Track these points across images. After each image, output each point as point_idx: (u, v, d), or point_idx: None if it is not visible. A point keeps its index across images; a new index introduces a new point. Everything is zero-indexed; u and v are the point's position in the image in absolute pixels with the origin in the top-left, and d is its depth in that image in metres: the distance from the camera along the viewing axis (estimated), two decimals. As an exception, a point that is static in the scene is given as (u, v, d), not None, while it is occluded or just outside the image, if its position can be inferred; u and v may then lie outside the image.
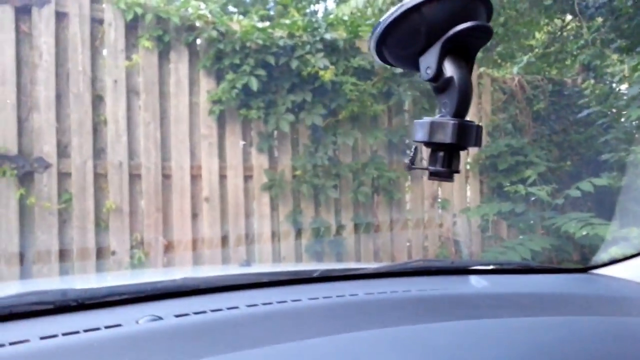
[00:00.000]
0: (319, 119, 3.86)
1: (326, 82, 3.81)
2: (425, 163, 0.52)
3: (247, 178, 3.83)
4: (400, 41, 0.53)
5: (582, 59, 5.40)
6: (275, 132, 3.92)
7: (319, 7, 7.15)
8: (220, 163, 3.75)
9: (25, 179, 3.11)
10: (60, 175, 3.21)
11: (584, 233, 3.32)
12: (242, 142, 3.83)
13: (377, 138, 4.03)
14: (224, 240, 3.66)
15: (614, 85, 5.12)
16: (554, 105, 5.02)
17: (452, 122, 0.50)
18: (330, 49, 3.99)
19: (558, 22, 6.66)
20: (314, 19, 4.33)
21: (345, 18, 4.51)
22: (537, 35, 7.01)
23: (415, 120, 0.54)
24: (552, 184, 4.06)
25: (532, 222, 4.11)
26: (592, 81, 4.94)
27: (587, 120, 4.81)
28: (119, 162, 3.41)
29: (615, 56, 5.35)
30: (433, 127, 0.52)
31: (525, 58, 5.98)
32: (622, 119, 4.62)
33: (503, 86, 4.92)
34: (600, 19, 5.55)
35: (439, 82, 0.51)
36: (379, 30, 0.53)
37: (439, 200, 4.45)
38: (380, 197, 4.13)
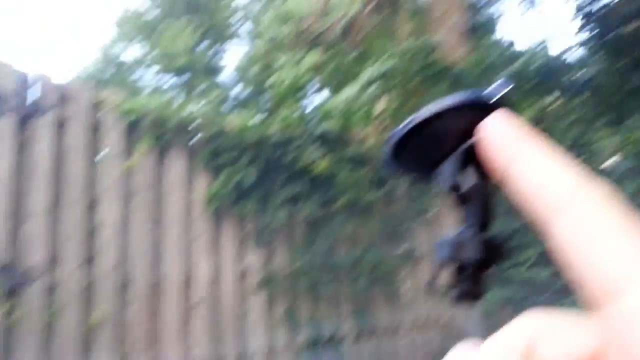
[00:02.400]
0: (315, 211, 3.88)
1: (321, 173, 3.87)
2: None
3: (242, 275, 3.78)
4: (416, 152, 0.52)
5: (570, 136, 5.51)
6: (271, 227, 3.93)
7: (313, 99, 7.42)
8: (215, 261, 3.72)
9: (13, 292, 3.02)
10: (49, 286, 3.13)
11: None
12: (237, 239, 3.83)
13: (374, 227, 4.04)
14: (217, 343, 3.55)
15: (600, 163, 5.17)
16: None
17: (477, 237, 0.48)
18: (325, 140, 4.09)
19: (543, 101, 6.87)
20: (307, 112, 4.48)
21: (338, 109, 4.66)
22: (523, 114, 7.21)
23: (439, 239, 0.51)
24: (551, 266, 4.00)
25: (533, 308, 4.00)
26: (581, 157, 5.00)
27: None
28: (110, 269, 3.36)
29: (602, 132, 5.46)
30: (457, 243, 0.49)
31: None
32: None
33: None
34: (585, 96, 5.72)
35: (460, 193, 0.49)
36: (392, 141, 0.52)
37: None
38: (379, 288, 4.06)
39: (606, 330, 0.18)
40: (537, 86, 5.84)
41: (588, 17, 5.22)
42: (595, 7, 5.17)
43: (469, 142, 0.43)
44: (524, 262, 4.02)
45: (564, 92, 5.72)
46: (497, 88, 0.44)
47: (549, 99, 6.49)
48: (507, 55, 6.57)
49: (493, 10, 6.65)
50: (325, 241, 3.88)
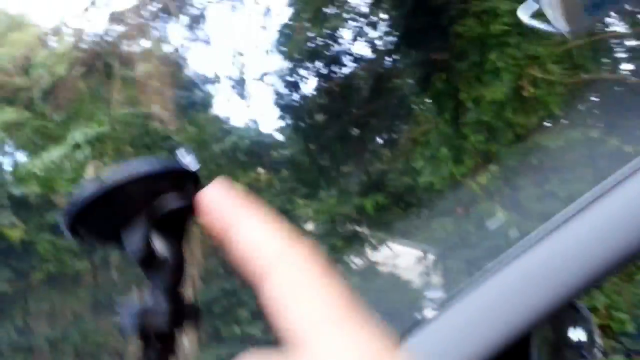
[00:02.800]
0: (5, 285, 3.24)
1: (15, 242, 3.29)
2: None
3: None
4: (100, 217, 0.45)
5: (275, 205, 6.14)
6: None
7: (5, 160, 6.39)
8: None
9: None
10: None
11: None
12: None
13: (82, 298, 3.59)
14: None
15: (303, 226, 5.89)
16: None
17: (165, 306, 0.43)
18: (21, 204, 3.53)
19: (253, 174, 7.54)
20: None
21: (40, 172, 4.13)
22: (237, 184, 7.74)
23: (120, 306, 0.44)
24: (265, 320, 4.23)
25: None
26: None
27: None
28: None
29: (301, 201, 6.25)
30: (143, 313, 0.43)
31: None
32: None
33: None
34: (286, 172, 6.52)
35: (147, 262, 0.44)
36: (74, 206, 0.44)
37: None
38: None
39: None
40: (248, 159, 6.39)
41: (285, 107, 6.08)
42: (291, 99, 6.06)
43: (156, 206, 0.43)
44: (239, 320, 4.15)
45: (271, 166, 6.40)
46: (182, 156, 0.46)
47: (258, 171, 7.16)
48: (223, 129, 7.05)
49: (211, 88, 7.11)
50: (20, 318, 3.26)
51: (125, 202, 0.43)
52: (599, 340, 0.86)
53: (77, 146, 5.81)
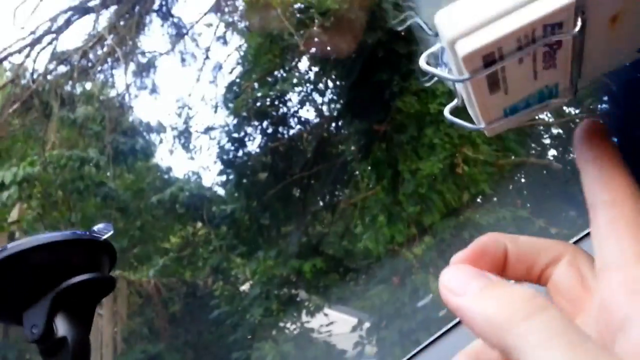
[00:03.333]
0: None
1: None
2: None
3: None
4: (3, 291, 0.41)
5: (211, 262, 5.95)
6: None
7: None
8: None
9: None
10: None
11: None
12: None
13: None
14: None
15: (238, 286, 5.73)
16: (189, 306, 5.22)
17: None
18: None
19: (190, 228, 7.33)
20: None
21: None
22: (172, 239, 7.48)
23: None
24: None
25: None
26: (221, 283, 5.43)
27: (218, 320, 5.13)
28: None
29: (238, 260, 6.10)
30: None
31: (161, 261, 6.20)
32: (247, 316, 5.13)
33: (139, 289, 4.88)
34: (225, 228, 6.39)
35: (48, 344, 0.39)
36: None
37: None
38: None
39: None
40: (186, 212, 6.22)
41: (229, 162, 6.05)
42: (235, 155, 6.05)
43: (64, 284, 0.38)
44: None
45: (210, 221, 6.26)
46: (101, 230, 0.44)
47: (197, 225, 6.96)
48: (163, 179, 6.87)
49: (154, 138, 6.98)
50: None
51: (30, 275, 0.38)
52: None
53: (3, 186, 5.48)
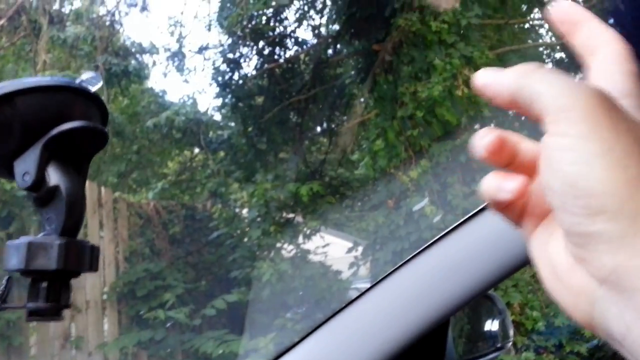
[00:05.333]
0: None
1: None
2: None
3: None
4: None
5: (209, 187, 6.00)
6: None
7: None
8: None
9: None
10: None
11: (220, 352, 3.44)
12: None
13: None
14: None
15: (237, 209, 5.82)
16: (188, 228, 5.31)
17: (57, 242, 0.38)
18: None
19: (188, 153, 7.33)
20: None
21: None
22: (170, 164, 7.50)
23: (8, 242, 0.39)
24: (190, 305, 4.15)
25: (170, 349, 4.04)
26: (220, 206, 5.50)
27: (218, 242, 5.25)
28: None
29: (236, 184, 6.16)
30: (32, 249, 0.38)
31: (159, 185, 6.24)
32: (245, 239, 5.25)
33: (139, 211, 4.94)
34: (222, 153, 6.39)
35: (41, 192, 0.38)
36: None
37: (72, 339, 3.92)
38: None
39: None
40: (183, 137, 6.19)
41: (224, 85, 5.92)
42: (231, 77, 5.91)
43: (55, 131, 0.36)
44: (164, 304, 4.04)
45: (206, 146, 6.24)
46: (90, 80, 0.41)
47: (194, 150, 6.96)
48: (158, 102, 6.77)
49: (147, 59, 6.79)
50: None
51: (18, 120, 0.36)
52: (511, 332, 0.89)
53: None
